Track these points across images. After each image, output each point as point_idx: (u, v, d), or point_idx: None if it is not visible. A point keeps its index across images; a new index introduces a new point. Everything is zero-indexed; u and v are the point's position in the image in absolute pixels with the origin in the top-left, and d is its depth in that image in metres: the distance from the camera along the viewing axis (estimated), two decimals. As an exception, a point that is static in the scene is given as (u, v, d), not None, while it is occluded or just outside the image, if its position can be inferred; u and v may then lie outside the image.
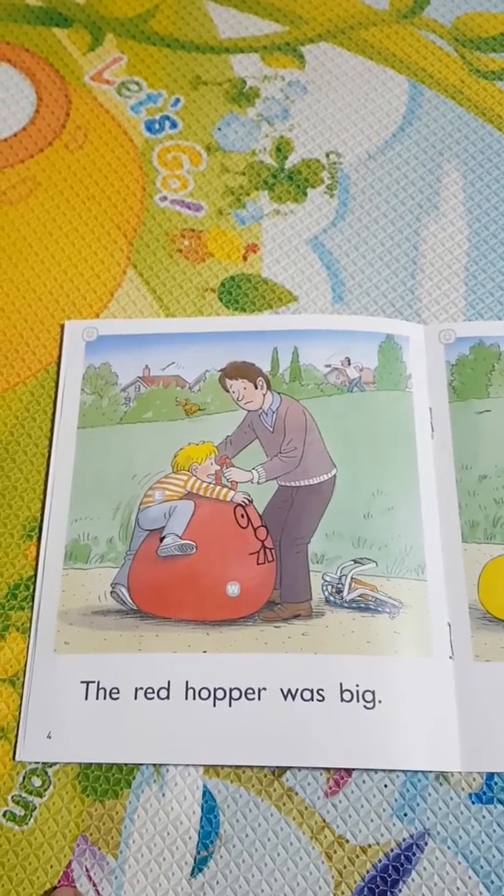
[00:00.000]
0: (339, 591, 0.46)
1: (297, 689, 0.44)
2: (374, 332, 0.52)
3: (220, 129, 0.59)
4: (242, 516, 0.48)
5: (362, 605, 0.46)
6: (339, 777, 0.43)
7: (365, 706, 0.43)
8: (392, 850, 0.41)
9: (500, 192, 0.56)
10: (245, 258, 0.55)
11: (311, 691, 0.44)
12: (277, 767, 0.43)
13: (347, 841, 0.42)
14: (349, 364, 0.51)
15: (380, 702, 0.43)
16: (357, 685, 0.44)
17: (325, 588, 0.46)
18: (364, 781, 0.43)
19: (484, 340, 0.52)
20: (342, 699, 0.43)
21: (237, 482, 0.49)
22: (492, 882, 0.40)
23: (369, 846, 0.42)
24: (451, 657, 0.45)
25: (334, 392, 0.51)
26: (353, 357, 0.51)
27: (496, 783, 0.42)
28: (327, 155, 0.58)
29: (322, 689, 0.44)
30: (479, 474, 0.49)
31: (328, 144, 0.58)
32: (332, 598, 0.46)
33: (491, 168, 0.57)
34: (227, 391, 0.51)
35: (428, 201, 0.56)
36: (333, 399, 0.51)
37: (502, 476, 0.48)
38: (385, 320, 0.52)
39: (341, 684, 0.44)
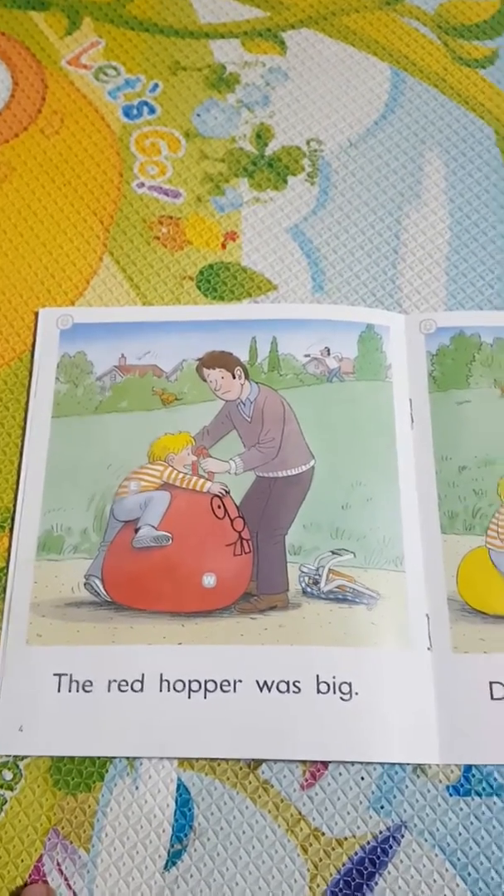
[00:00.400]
0: (317, 583, 0.46)
1: (273, 681, 0.43)
2: (353, 321, 0.51)
3: (199, 115, 0.58)
4: (219, 507, 0.47)
5: (340, 597, 0.45)
6: (316, 769, 0.42)
7: (342, 698, 0.43)
8: (368, 843, 0.41)
9: (482, 181, 0.56)
10: (224, 246, 0.54)
11: (288, 683, 0.43)
12: (253, 760, 0.42)
13: (323, 833, 0.41)
14: (329, 354, 0.51)
15: (357, 693, 0.43)
16: (334, 677, 0.43)
17: (302, 579, 0.46)
18: (340, 774, 0.42)
19: (465, 330, 0.51)
20: (319, 691, 0.43)
21: (214, 473, 0.48)
22: (468, 874, 0.40)
23: (345, 839, 0.41)
24: (429, 649, 0.44)
25: (313, 382, 0.50)
26: (333, 347, 0.51)
27: (474, 775, 0.42)
28: (308, 142, 0.57)
29: (298, 681, 0.43)
30: (458, 465, 0.48)
31: (309, 132, 0.58)
32: (309, 590, 0.46)
33: (473, 157, 0.56)
34: (205, 381, 0.50)
35: (409, 190, 0.56)
36: (312, 389, 0.50)
37: (482, 467, 0.48)
38: (365, 310, 0.52)
39: (318, 676, 0.43)
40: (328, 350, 0.51)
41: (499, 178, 0.56)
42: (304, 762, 0.42)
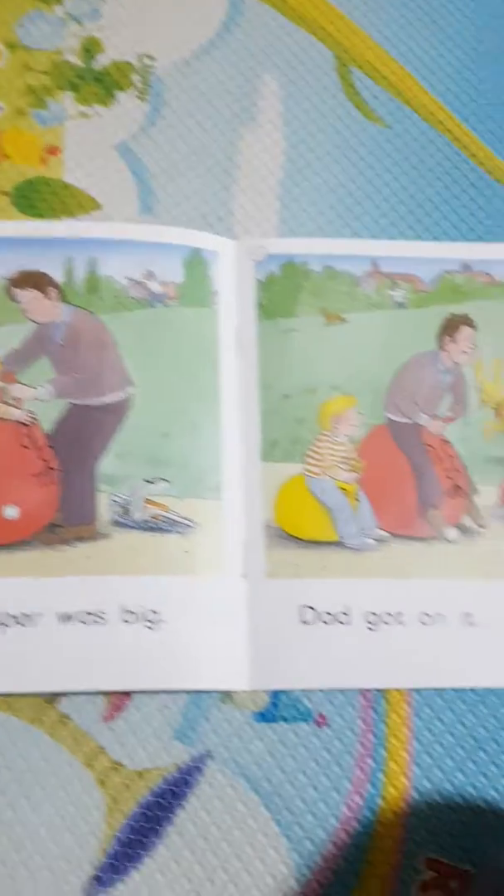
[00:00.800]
0: (129, 512, 0.44)
1: (75, 613, 0.41)
2: (180, 244, 0.49)
3: (23, 25, 0.54)
4: (25, 435, 0.44)
5: (153, 526, 0.44)
6: (119, 701, 0.41)
7: (147, 626, 0.41)
8: (170, 774, 0.40)
9: (320, 106, 0.54)
10: (44, 161, 0.51)
11: (91, 614, 0.41)
12: (52, 694, 0.40)
13: (124, 766, 0.40)
14: (152, 278, 0.48)
15: (164, 622, 0.41)
16: (140, 605, 0.41)
17: (113, 509, 0.44)
18: (145, 704, 0.41)
19: (294, 258, 0.50)
20: (123, 621, 0.41)
21: (21, 399, 0.45)
22: (273, 802, 0.39)
23: (147, 771, 0.40)
24: (243, 576, 0.43)
25: (135, 307, 0.48)
26: (157, 270, 0.48)
27: (282, 701, 0.41)
28: (140, 58, 0.54)
29: (102, 612, 0.41)
30: (282, 394, 0.47)
31: (141, 47, 0.55)
32: (120, 520, 0.44)
33: (311, 80, 0.55)
34: (14, 301, 0.47)
35: (245, 111, 0.54)
36: (134, 314, 0.48)
37: (304, 395, 0.47)
38: (193, 233, 0.50)
39: (123, 606, 0.41)
40: (152, 273, 0.48)
41: (336, 103, 0.54)
42: (106, 694, 0.41)
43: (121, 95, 0.53)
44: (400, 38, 0.56)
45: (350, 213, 0.51)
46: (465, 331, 0.48)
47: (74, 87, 0.53)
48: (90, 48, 0.54)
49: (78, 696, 0.40)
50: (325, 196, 0.52)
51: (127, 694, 0.41)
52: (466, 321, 0.48)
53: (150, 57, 0.54)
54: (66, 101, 0.52)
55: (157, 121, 0.53)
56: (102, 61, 0.54)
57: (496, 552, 0.44)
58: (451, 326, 0.48)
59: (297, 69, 0.55)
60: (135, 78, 0.54)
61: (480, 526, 0.45)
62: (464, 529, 0.44)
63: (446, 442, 0.46)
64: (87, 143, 0.52)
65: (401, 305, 0.49)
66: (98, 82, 0.53)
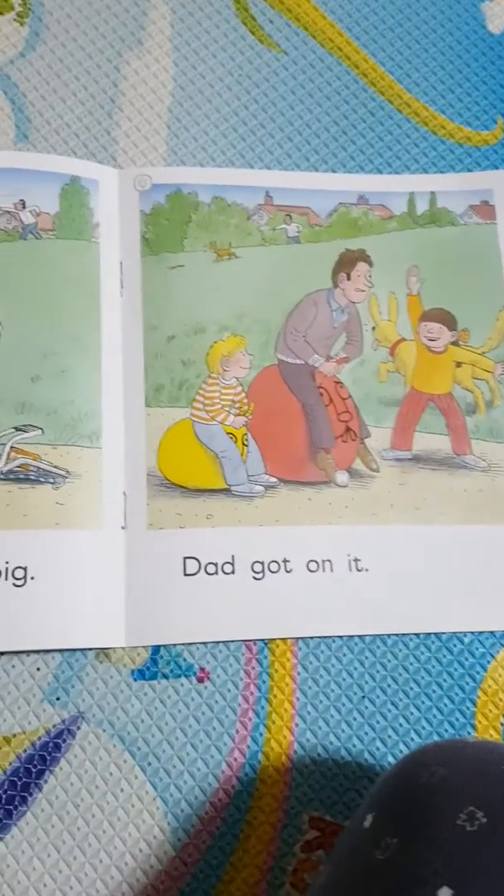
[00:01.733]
0: (-3, 461, 0.41)
1: None
2: (55, 172, 0.45)
3: None
4: None
5: (21, 476, 0.40)
6: (-15, 663, 0.38)
7: (14, 584, 0.38)
8: (40, 739, 0.37)
9: (211, 30, 0.50)
10: None
11: (-49, 571, 0.38)
12: None
13: (-11, 732, 0.37)
14: (24, 207, 0.44)
15: (32, 578, 0.38)
16: (7, 562, 0.38)
17: (-21, 458, 0.41)
18: (14, 666, 0.38)
19: (182, 188, 0.46)
20: (-12, 578, 0.38)
21: None
22: (149, 764, 0.37)
23: (14, 736, 0.37)
24: (123, 528, 0.40)
25: (3, 239, 0.44)
26: (29, 200, 0.45)
27: (162, 657, 0.38)
28: (16, -25, 0.50)
29: (-35, 570, 0.38)
30: (167, 335, 0.44)
31: (18, -37, 0.51)
32: (-14, 470, 0.40)
33: (203, 2, 0.51)
34: None
35: (131, 35, 0.50)
36: (2, 247, 0.44)
37: (191, 336, 0.44)
38: (70, 160, 0.46)
39: (-12, 563, 0.38)
40: (23, 203, 0.44)
41: (229, 27, 0.51)
42: (-29, 656, 0.38)
43: (-4, 16, 0.49)
44: (299, -40, 0.53)
45: (243, 142, 0.48)
46: (361, 267, 0.45)
47: None
48: (-39, -37, 0.50)
49: None
50: (216, 125, 0.48)
51: (-8, 654, 0.38)
52: (363, 257, 0.46)
53: (28, -26, 0.50)
54: None
55: (36, 45, 0.49)
56: (-25, -23, 0.50)
57: (386, 496, 0.42)
58: (346, 262, 0.46)
59: (188, -9, 0.51)
60: (14, 1, 0.50)
61: (372, 470, 0.42)
62: (354, 473, 0.42)
63: (339, 383, 0.44)
64: (-44, 65, 0.48)
65: (294, 240, 0.46)
66: (-30, 0, 0.49)
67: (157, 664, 0.38)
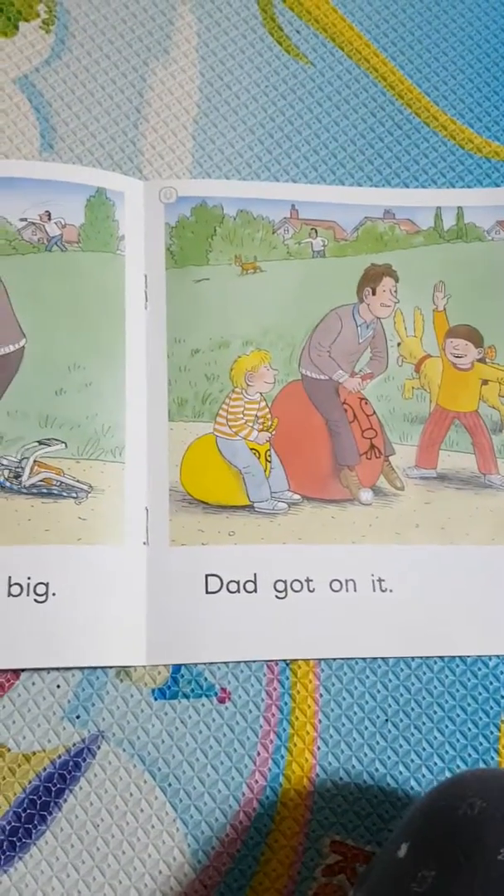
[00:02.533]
0: (18, 476, 0.40)
1: (-45, 585, 0.38)
2: (81, 183, 0.45)
3: None
4: None
5: (44, 491, 0.40)
6: (6, 680, 0.37)
7: (36, 600, 0.38)
8: (60, 757, 0.37)
9: (238, 40, 0.50)
10: None
11: (-27, 586, 0.38)
12: None
13: (9, 749, 0.36)
14: (49, 219, 0.44)
15: (53, 594, 0.38)
16: (29, 578, 0.38)
17: (1, 473, 0.40)
18: (34, 683, 0.37)
19: (207, 201, 0.46)
20: (9, 594, 0.38)
21: None
22: (169, 785, 0.36)
23: (34, 754, 0.37)
24: (145, 543, 0.40)
25: (29, 250, 0.44)
26: (55, 211, 0.44)
27: (182, 676, 0.38)
28: (43, -17, 0.50)
29: (-14, 583, 0.38)
30: (191, 348, 0.43)
31: (45, -29, 0.50)
32: (8, 484, 0.40)
33: (230, 13, 0.51)
34: None
35: (158, 45, 0.50)
36: (28, 258, 0.44)
37: (215, 350, 0.44)
38: (96, 171, 0.46)
39: (10, 578, 0.38)
40: (49, 214, 0.44)
41: (256, 37, 0.50)
42: (-9, 672, 0.38)
43: (24, 26, 0.49)
44: (326, -30, 0.53)
45: (268, 154, 0.47)
46: (386, 282, 0.45)
47: (-31, 13, 0.48)
48: (-12, -29, 0.50)
49: (-42, 675, 0.37)
50: (242, 136, 0.48)
51: (15, 674, 0.37)
52: (388, 272, 0.45)
53: (55, -18, 0.50)
54: (-40, 28, 0.48)
55: (62, 53, 0.49)
56: (1, -15, 0.49)
57: (411, 515, 0.41)
58: (372, 277, 0.45)
59: (214, 0, 0.51)
60: (40, 8, 0.49)
61: (397, 488, 0.42)
62: (379, 492, 0.42)
63: (364, 400, 0.43)
64: (-18, 74, 0.48)
65: (319, 254, 0.46)
66: (0, 12, 0.49)
67: (178, 683, 0.38)
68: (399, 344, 0.45)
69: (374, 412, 0.43)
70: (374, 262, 0.46)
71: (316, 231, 0.46)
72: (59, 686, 0.38)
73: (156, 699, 0.38)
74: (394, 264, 0.45)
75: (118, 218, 0.45)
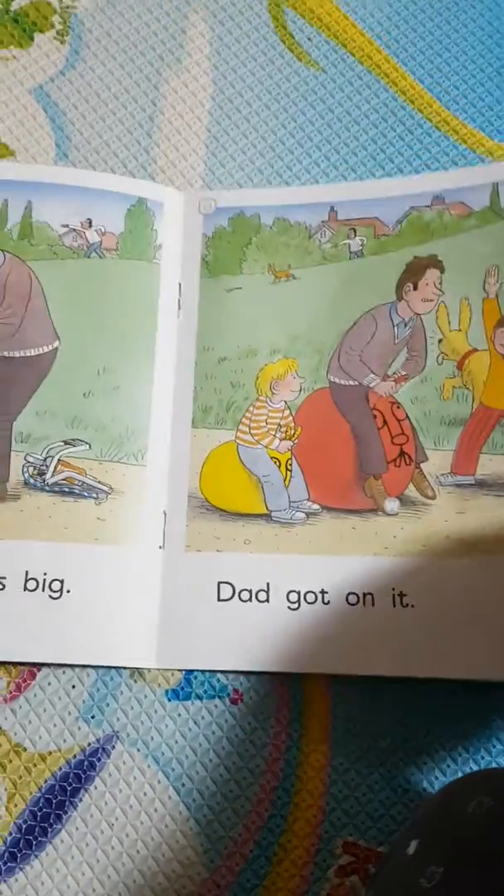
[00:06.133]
0: (42, 474, 0.41)
1: (-29, 578, 0.38)
2: (123, 192, 0.45)
3: None
4: None
5: (66, 490, 0.41)
6: (22, 680, 0.38)
7: (51, 595, 0.38)
8: (75, 757, 0.37)
9: (250, 48, 0.51)
10: (-50, 104, 0.47)
11: (-10, 580, 0.38)
12: None
13: (25, 749, 0.37)
14: (90, 226, 0.45)
15: (68, 591, 0.38)
16: (45, 573, 0.39)
17: (26, 470, 0.41)
18: (50, 683, 0.38)
19: (245, 211, 0.46)
20: (26, 588, 0.38)
21: None
22: (182, 785, 0.37)
23: (49, 753, 0.37)
24: (161, 547, 0.40)
25: (69, 256, 0.44)
26: (96, 219, 0.45)
27: (196, 677, 0.38)
28: (58, -5, 0.51)
29: (4, 578, 0.38)
30: (219, 356, 0.44)
31: (60, -17, 0.51)
32: (32, 481, 0.41)
33: (242, 21, 0.51)
34: None
35: (170, 54, 0.50)
36: (67, 264, 0.44)
37: (242, 358, 0.44)
38: (139, 182, 0.46)
39: (27, 572, 0.39)
40: (90, 222, 0.45)
41: (268, 45, 0.51)
42: (9, 673, 0.38)
43: (39, 37, 0.50)
44: (337, -23, 0.53)
45: (280, 161, 0.48)
46: (430, 274, 0.43)
47: (-14, 26, 0.49)
48: (4, -16, 0.50)
49: (-24, 675, 0.38)
50: (254, 143, 0.48)
51: (31, 673, 0.38)
52: (433, 263, 0.44)
53: (70, -6, 0.51)
54: (-23, 41, 0.49)
55: (76, 64, 0.50)
56: (20, 2, 0.50)
57: (440, 526, 0.39)
58: (414, 271, 0.44)
59: (226, 9, 0.51)
60: (55, 19, 0.50)
61: (427, 497, 0.40)
62: (406, 501, 0.41)
63: (395, 403, 0.42)
64: (1, 87, 0.48)
65: (357, 255, 0.45)
66: (15, 23, 0.50)
67: (192, 684, 0.38)
68: (441, 340, 0.43)
69: (407, 416, 0.42)
70: (417, 254, 0.44)
71: (355, 231, 0.45)
72: (74, 686, 0.38)
73: (169, 700, 0.38)
74: (439, 254, 0.44)
75: (157, 227, 0.45)
